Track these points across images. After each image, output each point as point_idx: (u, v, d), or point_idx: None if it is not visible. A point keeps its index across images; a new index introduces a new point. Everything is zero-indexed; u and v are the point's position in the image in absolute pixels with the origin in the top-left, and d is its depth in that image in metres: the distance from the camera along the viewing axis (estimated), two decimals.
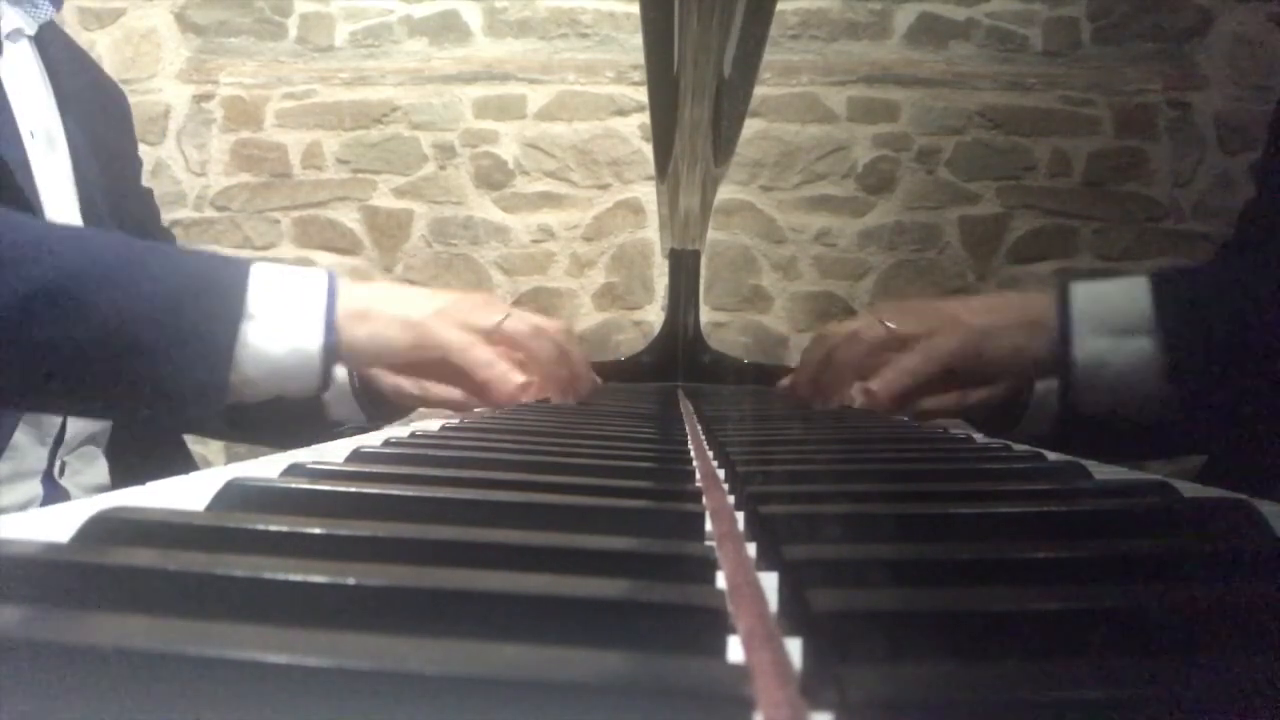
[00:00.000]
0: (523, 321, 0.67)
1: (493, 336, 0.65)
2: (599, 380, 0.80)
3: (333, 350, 0.59)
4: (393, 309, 0.63)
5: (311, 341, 0.58)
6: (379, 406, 0.78)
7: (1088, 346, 0.59)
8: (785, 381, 0.90)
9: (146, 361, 0.53)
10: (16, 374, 0.53)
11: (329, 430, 0.87)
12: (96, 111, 0.82)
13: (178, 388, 0.54)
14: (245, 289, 0.56)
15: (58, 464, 0.74)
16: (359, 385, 0.76)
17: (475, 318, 0.65)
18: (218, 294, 0.56)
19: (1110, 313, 0.59)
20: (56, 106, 0.76)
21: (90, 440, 0.79)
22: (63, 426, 0.73)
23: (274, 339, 0.57)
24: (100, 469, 0.79)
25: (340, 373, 0.80)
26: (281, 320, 0.58)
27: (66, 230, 0.58)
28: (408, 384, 0.73)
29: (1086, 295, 0.60)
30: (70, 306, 0.52)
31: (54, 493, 0.72)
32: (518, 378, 0.65)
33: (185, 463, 0.84)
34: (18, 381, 0.54)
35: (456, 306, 0.65)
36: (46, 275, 0.52)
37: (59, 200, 0.73)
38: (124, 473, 0.79)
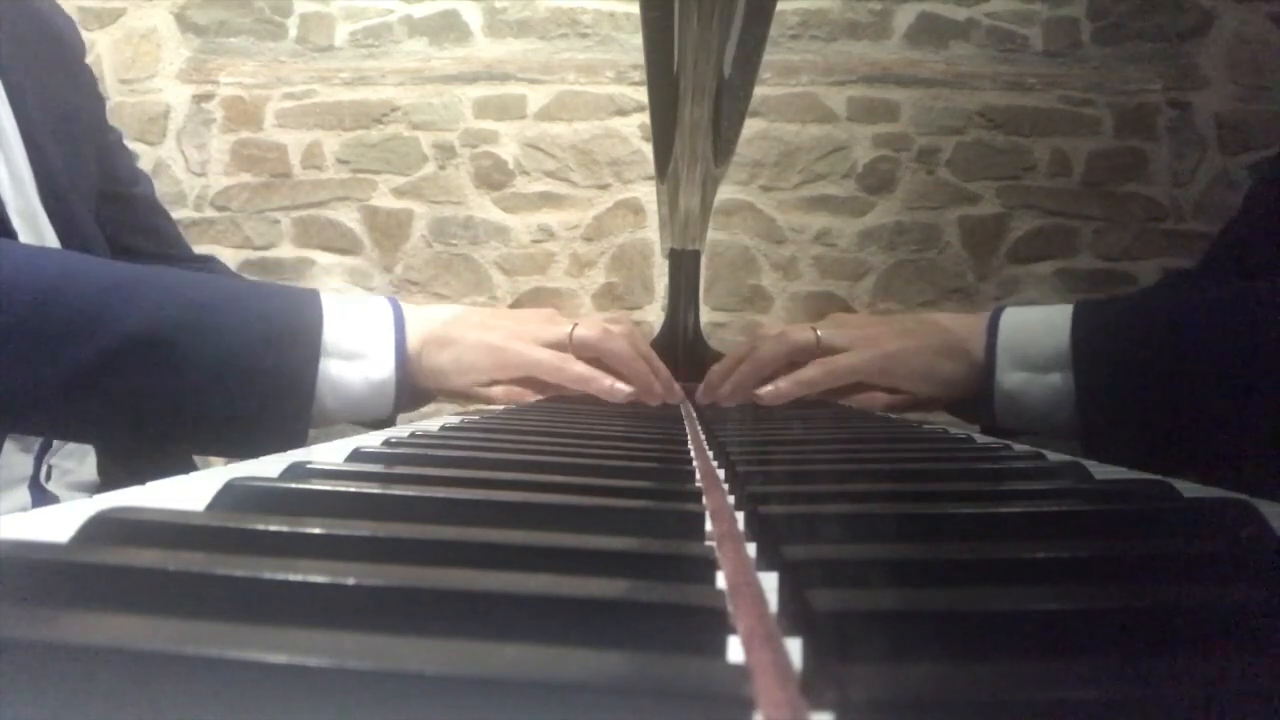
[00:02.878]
0: (592, 327, 0.69)
1: (567, 347, 0.68)
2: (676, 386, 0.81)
3: (405, 379, 0.61)
4: (472, 334, 0.65)
5: (385, 372, 0.60)
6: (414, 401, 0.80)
7: (1006, 381, 0.63)
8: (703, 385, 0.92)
9: (233, 405, 0.54)
10: (109, 421, 0.54)
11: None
12: (44, 64, 0.76)
13: (263, 428, 0.55)
14: (321, 326, 0.57)
15: (44, 469, 0.73)
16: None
17: (548, 332, 0.68)
18: (298, 334, 0.57)
19: (1031, 346, 0.62)
20: None
21: None
22: None
23: (351, 372, 0.59)
24: (89, 464, 0.78)
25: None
26: (357, 353, 0.59)
27: (154, 275, 0.58)
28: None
29: (1013, 325, 0.63)
30: (163, 355, 0.53)
31: (41, 499, 0.72)
32: (623, 388, 0.68)
33: (178, 457, 0.84)
34: (109, 428, 0.55)
35: (528, 325, 0.68)
36: (140, 324, 0.52)
37: (11, 186, 0.69)
38: (112, 465, 0.79)
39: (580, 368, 0.67)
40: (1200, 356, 0.56)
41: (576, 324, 0.69)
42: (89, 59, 0.90)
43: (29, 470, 0.72)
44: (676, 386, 0.77)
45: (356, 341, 0.59)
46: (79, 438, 0.71)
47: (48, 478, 0.73)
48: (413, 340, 0.62)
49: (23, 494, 0.71)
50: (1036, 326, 0.62)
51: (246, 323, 0.56)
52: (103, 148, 0.85)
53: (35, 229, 0.69)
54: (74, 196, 0.74)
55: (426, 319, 0.65)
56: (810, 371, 0.69)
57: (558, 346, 0.68)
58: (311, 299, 0.59)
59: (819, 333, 0.70)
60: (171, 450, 0.63)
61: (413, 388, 0.65)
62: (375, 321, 0.61)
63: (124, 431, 0.56)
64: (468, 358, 0.64)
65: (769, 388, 0.70)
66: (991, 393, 0.63)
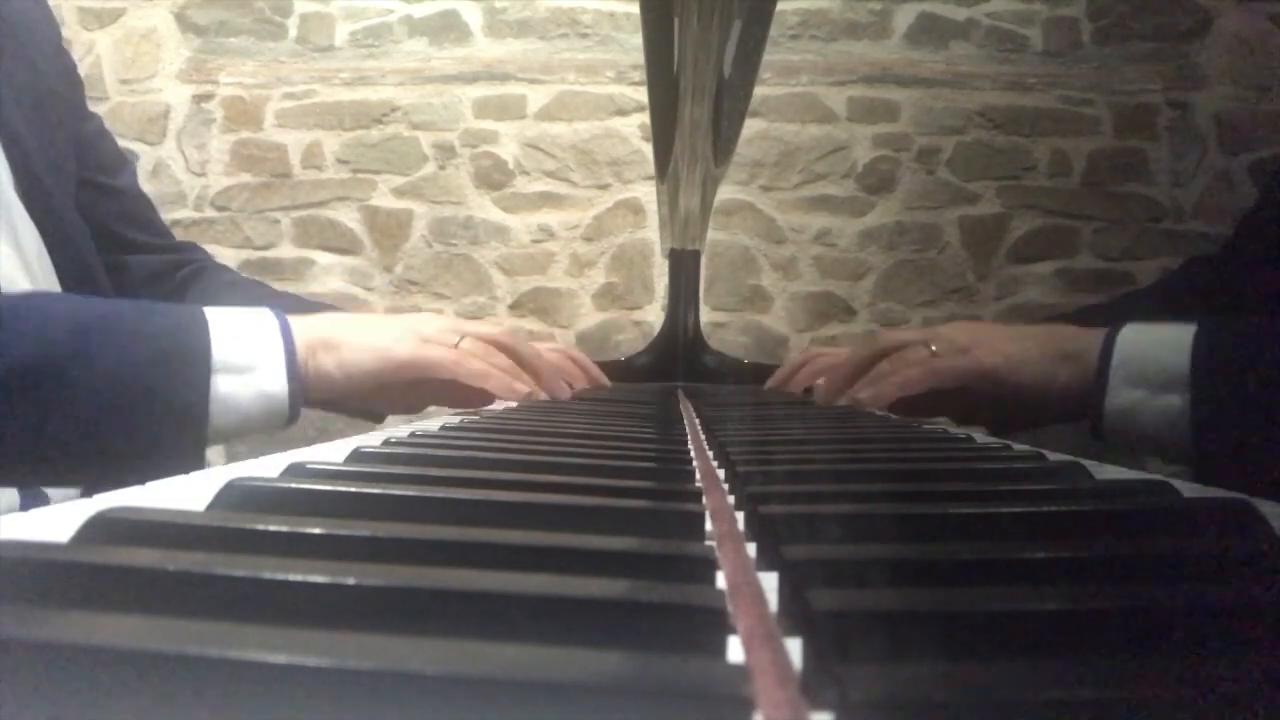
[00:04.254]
0: (477, 339, 0.68)
1: (457, 346, 0.66)
2: (596, 371, 0.81)
3: (298, 388, 0.60)
4: (358, 337, 0.63)
5: (276, 383, 0.59)
6: (372, 408, 0.80)
7: (1120, 397, 0.60)
8: (773, 381, 0.91)
9: (125, 431, 0.53)
10: (2, 461, 0.52)
11: (361, 416, 0.88)
12: (15, 50, 0.74)
13: (158, 452, 0.54)
14: (209, 342, 0.56)
15: None
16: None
17: (436, 337, 0.66)
18: (185, 354, 0.55)
19: (1149, 365, 0.59)
20: None
21: None
22: None
23: (240, 387, 0.57)
24: None
25: None
26: (244, 367, 0.58)
27: (33, 301, 0.57)
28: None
29: (1131, 341, 0.60)
30: (52, 385, 0.51)
31: (32, 497, 0.71)
32: (521, 386, 0.67)
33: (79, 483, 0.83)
34: (4, 469, 0.53)
35: (413, 328, 0.66)
36: (25, 354, 0.51)
37: None
38: None
39: (477, 364, 0.65)
40: None
41: (464, 335, 0.67)
42: (89, 59, 0.88)
43: None
44: (563, 382, 0.76)
45: (245, 354, 0.58)
46: None
47: None
48: (300, 348, 0.60)
49: (11, 494, 0.70)
50: (1157, 344, 0.59)
51: (135, 345, 0.54)
52: (82, 134, 0.83)
53: (9, 221, 0.68)
54: (52, 185, 0.72)
55: (313, 326, 0.63)
56: (913, 372, 0.66)
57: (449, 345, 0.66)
58: (196, 315, 0.57)
59: (933, 347, 0.67)
60: (69, 484, 0.61)
61: (305, 398, 0.63)
62: (261, 332, 0.59)
63: (20, 471, 0.54)
64: (353, 360, 0.62)
65: (869, 389, 0.68)
66: (1101, 409, 0.60)
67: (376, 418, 0.81)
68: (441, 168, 2.14)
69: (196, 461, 0.55)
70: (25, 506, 0.69)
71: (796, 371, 0.97)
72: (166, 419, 0.54)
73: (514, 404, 0.70)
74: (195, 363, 0.55)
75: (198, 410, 0.55)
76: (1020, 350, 0.65)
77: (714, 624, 0.15)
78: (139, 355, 0.54)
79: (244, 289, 0.91)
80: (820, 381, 0.83)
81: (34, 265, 0.69)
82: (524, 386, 0.67)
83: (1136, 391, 0.59)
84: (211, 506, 0.24)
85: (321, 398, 0.66)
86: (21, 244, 0.68)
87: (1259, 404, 0.55)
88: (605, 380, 0.93)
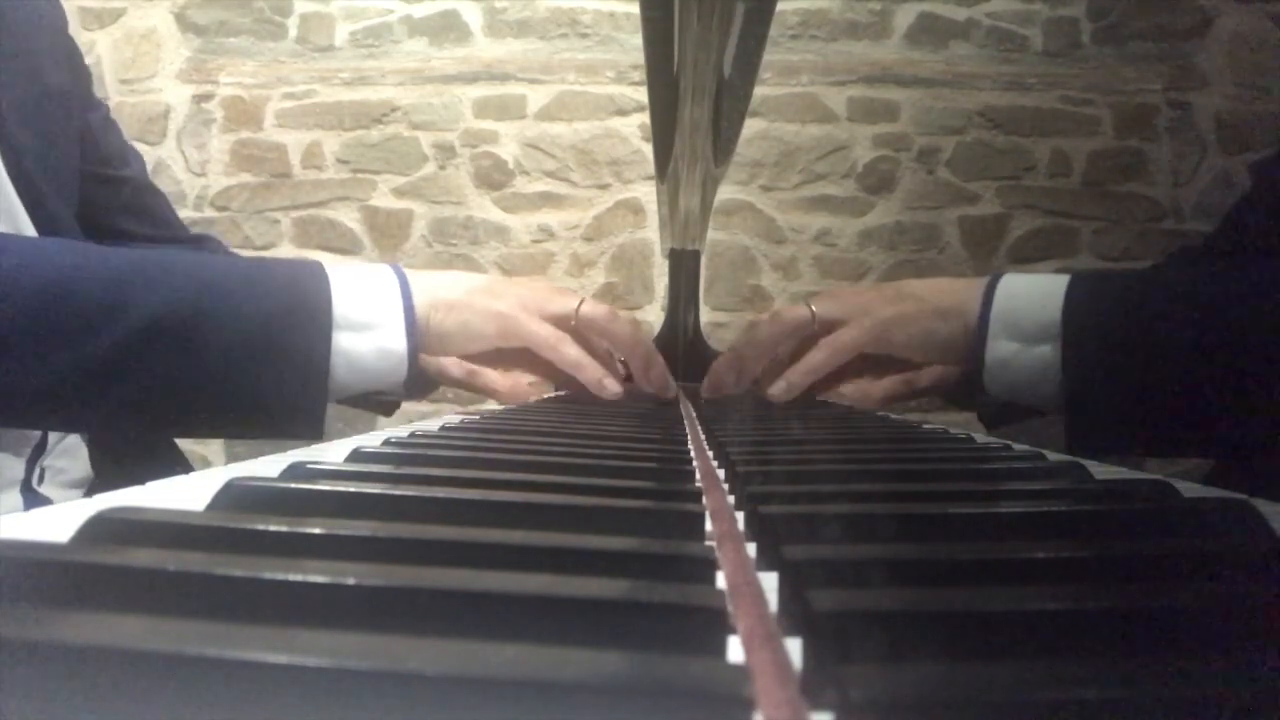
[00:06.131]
0: (599, 305, 0.68)
1: (572, 322, 0.67)
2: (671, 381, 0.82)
3: (417, 345, 0.60)
4: (477, 299, 0.64)
5: (397, 340, 0.59)
6: (417, 383, 0.80)
7: (996, 349, 0.60)
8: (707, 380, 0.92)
9: (249, 385, 0.54)
10: (129, 412, 0.53)
11: (368, 401, 0.88)
12: (14, 42, 0.72)
13: (280, 406, 0.54)
14: (330, 299, 0.57)
15: (36, 471, 0.72)
16: None
17: (554, 305, 0.67)
18: (307, 309, 0.56)
19: (1023, 316, 0.60)
20: None
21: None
22: (44, 437, 0.72)
23: (363, 344, 0.58)
24: (82, 460, 0.78)
25: None
26: (367, 324, 0.58)
27: (161, 259, 0.57)
28: (454, 368, 0.75)
29: (1007, 293, 0.61)
30: (178, 341, 0.52)
31: (34, 502, 0.71)
32: (613, 386, 0.67)
33: (168, 447, 0.83)
34: (129, 419, 0.54)
35: (534, 296, 0.67)
36: (153, 311, 0.52)
37: None
38: (107, 460, 0.78)
39: (575, 351, 0.66)
40: (1191, 337, 0.53)
41: (584, 299, 0.68)
42: (89, 59, 0.87)
43: (20, 474, 0.71)
44: (672, 382, 0.76)
45: (366, 312, 0.59)
46: (97, 429, 0.70)
47: (40, 480, 0.73)
48: (420, 306, 0.62)
49: (14, 497, 0.70)
50: (1032, 295, 0.60)
51: (258, 302, 0.55)
52: (85, 127, 0.82)
53: (10, 215, 0.68)
54: (49, 187, 0.72)
55: (433, 285, 0.64)
56: (815, 356, 0.67)
57: (562, 320, 0.67)
58: (317, 272, 0.58)
59: (814, 308, 0.68)
60: (193, 435, 0.62)
61: (422, 356, 0.64)
62: (382, 290, 0.60)
63: (144, 421, 0.56)
64: (475, 323, 0.64)
65: (779, 384, 0.69)
66: (981, 360, 0.61)
67: (420, 392, 0.81)
68: (441, 168, 2.14)
69: (317, 417, 0.55)
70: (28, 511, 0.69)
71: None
72: (289, 373, 0.55)
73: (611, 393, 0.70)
74: (317, 318, 0.56)
75: (320, 364, 0.55)
76: (895, 311, 0.66)
77: (714, 624, 0.15)
78: (262, 310, 0.55)
79: None
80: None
81: None
82: (614, 387, 0.67)
83: (1013, 343, 0.60)
84: (211, 506, 0.24)
85: (441, 353, 0.66)
86: None
87: (1127, 354, 0.55)
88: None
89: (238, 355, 0.53)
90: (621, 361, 0.74)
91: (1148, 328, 0.55)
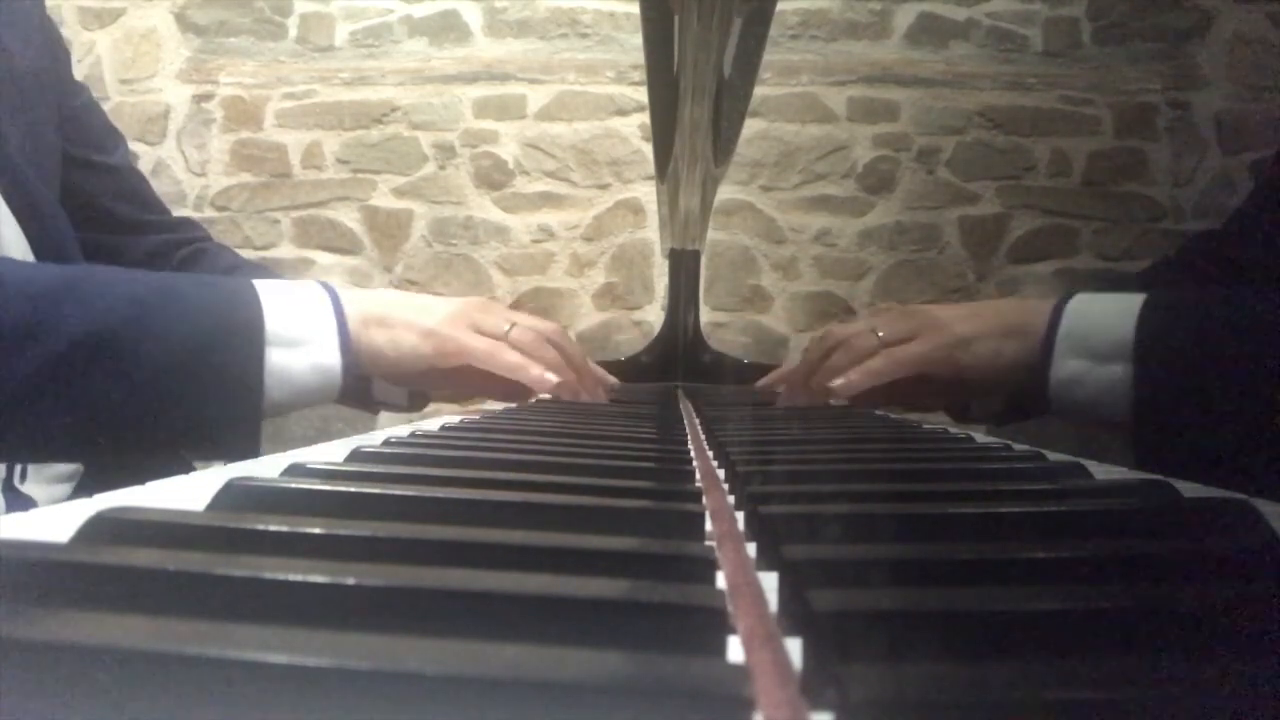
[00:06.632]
0: (526, 331, 0.68)
1: (504, 339, 0.67)
2: (610, 378, 0.82)
3: (351, 361, 0.60)
4: (408, 316, 0.64)
5: (330, 356, 0.59)
6: (415, 394, 0.82)
7: (1065, 367, 0.60)
8: (767, 380, 0.92)
9: (183, 405, 0.53)
10: (59, 435, 0.52)
11: (370, 409, 0.89)
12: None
13: (215, 426, 0.54)
14: (262, 316, 0.56)
15: (17, 470, 0.71)
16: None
17: (487, 323, 0.67)
18: (240, 326, 0.56)
19: (1094, 335, 0.59)
20: None
21: None
22: None
23: (295, 359, 0.58)
24: None
25: None
26: (299, 339, 0.58)
27: (89, 275, 0.56)
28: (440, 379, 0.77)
29: (1078, 312, 0.61)
30: (109, 359, 0.52)
31: (16, 501, 0.70)
32: (552, 377, 0.67)
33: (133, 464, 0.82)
34: (60, 442, 0.53)
35: (465, 312, 0.67)
36: (83, 327, 0.51)
37: None
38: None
39: (513, 356, 0.66)
40: (1269, 367, 0.53)
41: (515, 325, 0.68)
42: (89, 59, 0.86)
43: (1, 473, 0.70)
44: (603, 385, 0.77)
45: (298, 329, 0.58)
46: (27, 456, 0.69)
47: (22, 478, 0.72)
48: (353, 322, 0.61)
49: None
50: (1103, 314, 0.59)
51: (189, 320, 0.54)
52: (68, 110, 0.80)
53: None
54: (32, 174, 0.70)
55: (364, 300, 0.64)
56: (876, 363, 0.67)
57: (494, 337, 0.67)
58: (248, 289, 0.58)
59: (880, 333, 0.68)
60: (126, 458, 0.62)
61: (355, 372, 0.64)
62: (314, 306, 0.60)
63: (74, 446, 0.55)
64: (406, 341, 0.64)
65: (840, 380, 0.69)
66: (1047, 379, 0.60)
67: (420, 401, 0.82)
68: (441, 168, 2.14)
69: (252, 435, 0.55)
70: (11, 510, 0.68)
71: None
72: (222, 392, 0.54)
73: (547, 397, 0.70)
74: (250, 334, 0.56)
75: (253, 383, 0.55)
76: (968, 329, 0.65)
77: (714, 624, 0.15)
78: (194, 328, 0.54)
79: (246, 274, 0.90)
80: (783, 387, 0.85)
81: (13, 255, 0.68)
82: (553, 378, 0.67)
83: (1081, 361, 0.59)
84: (211, 506, 0.24)
85: (372, 373, 0.66)
86: (0, 233, 0.67)
87: (1201, 377, 0.54)
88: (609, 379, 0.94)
89: (170, 375, 0.53)
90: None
91: (1225, 352, 0.54)
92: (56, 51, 0.82)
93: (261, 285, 0.58)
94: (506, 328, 0.67)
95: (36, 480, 0.73)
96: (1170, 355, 0.56)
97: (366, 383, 0.78)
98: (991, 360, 0.64)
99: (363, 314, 0.62)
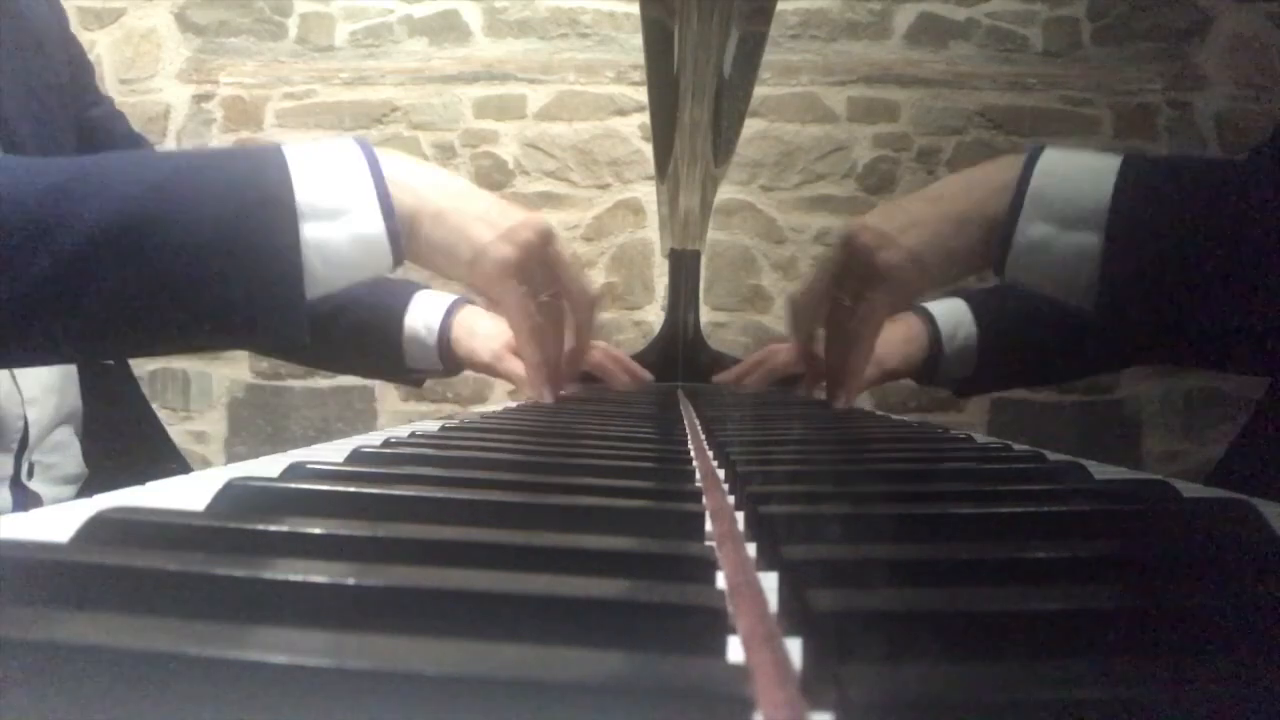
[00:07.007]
0: (556, 309, 0.67)
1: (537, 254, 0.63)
2: (644, 372, 0.83)
3: (395, 229, 0.56)
4: (466, 223, 0.60)
5: (373, 224, 0.55)
6: (453, 363, 0.83)
7: (1028, 231, 0.54)
8: (725, 376, 0.93)
9: (216, 293, 0.49)
10: (89, 326, 0.49)
11: (407, 375, 0.90)
12: (13, 41, 0.71)
13: (255, 311, 0.50)
14: (292, 188, 0.52)
15: (25, 466, 0.71)
16: (440, 339, 0.83)
17: (534, 277, 0.64)
18: (268, 202, 0.51)
19: (1064, 197, 0.54)
20: None
21: (66, 420, 0.75)
22: (25, 431, 0.70)
23: (335, 231, 0.53)
24: (74, 455, 0.76)
25: (420, 326, 0.84)
26: (336, 209, 0.54)
27: (101, 164, 0.52)
28: (482, 352, 0.77)
29: (1047, 171, 0.55)
30: (129, 252, 0.48)
31: (23, 498, 0.70)
32: (549, 395, 0.67)
33: (163, 442, 0.82)
34: (91, 334, 0.50)
35: (515, 258, 0.62)
36: (98, 222, 0.47)
37: None
38: (100, 455, 0.77)
39: (534, 351, 0.65)
40: (1257, 243, 0.48)
41: (552, 293, 0.66)
42: (89, 59, 0.87)
43: (9, 470, 0.70)
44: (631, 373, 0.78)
45: (334, 198, 0.54)
46: (60, 359, 0.66)
47: (29, 475, 0.72)
48: (403, 202, 0.57)
49: (4, 493, 0.69)
50: (1078, 175, 0.54)
51: (213, 201, 0.50)
52: (91, 119, 0.79)
53: None
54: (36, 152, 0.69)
55: (408, 172, 0.59)
56: (855, 358, 0.65)
57: (530, 251, 0.62)
58: (275, 158, 0.53)
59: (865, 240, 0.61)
60: (168, 353, 0.57)
61: (408, 245, 0.60)
62: (349, 171, 0.55)
63: (108, 345, 0.51)
64: (459, 248, 0.60)
65: (840, 399, 0.67)
66: (1010, 242, 0.54)
67: (455, 367, 0.84)
68: (442, 167, 2.14)
69: (297, 318, 0.51)
70: (18, 508, 0.68)
71: (751, 370, 1.01)
72: (258, 275, 0.50)
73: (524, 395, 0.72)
74: (280, 211, 0.51)
75: (290, 261, 0.51)
76: (920, 243, 0.60)
77: (714, 624, 0.15)
78: (219, 209, 0.50)
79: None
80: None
81: None
82: (549, 398, 0.67)
83: (1048, 226, 0.54)
84: (211, 507, 0.24)
85: (417, 263, 0.63)
86: None
87: (1178, 255, 0.49)
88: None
89: (198, 262, 0.49)
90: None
91: (1205, 228, 0.49)
92: (80, 64, 0.82)
93: (290, 150, 0.54)
94: (540, 243, 0.62)
95: (43, 479, 0.73)
96: (1145, 227, 0.51)
97: (399, 354, 0.82)
98: (945, 266, 0.59)
99: (414, 197, 0.58)
